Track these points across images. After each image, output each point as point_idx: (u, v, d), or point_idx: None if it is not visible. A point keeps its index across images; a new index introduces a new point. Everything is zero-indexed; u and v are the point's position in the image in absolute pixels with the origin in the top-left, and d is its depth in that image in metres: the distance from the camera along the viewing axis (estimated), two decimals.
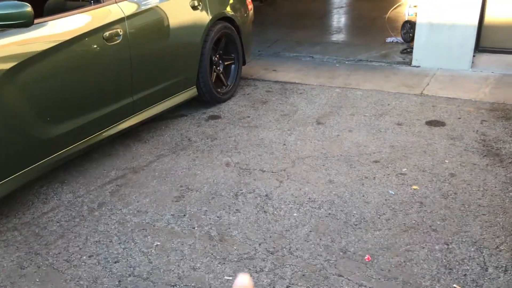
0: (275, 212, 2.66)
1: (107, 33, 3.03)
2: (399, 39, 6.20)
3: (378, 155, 3.25)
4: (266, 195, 2.83)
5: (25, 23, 2.37)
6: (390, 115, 3.91)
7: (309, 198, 2.77)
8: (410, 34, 6.03)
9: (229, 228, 2.54)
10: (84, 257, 2.36)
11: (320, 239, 2.41)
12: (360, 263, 2.24)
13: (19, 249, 2.44)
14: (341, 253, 2.32)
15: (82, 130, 3.00)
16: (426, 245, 2.35)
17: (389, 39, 6.32)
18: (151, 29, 3.47)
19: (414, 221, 2.53)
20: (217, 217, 2.64)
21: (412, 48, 5.61)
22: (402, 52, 5.71)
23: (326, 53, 5.88)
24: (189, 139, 3.66)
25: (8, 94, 2.50)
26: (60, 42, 2.73)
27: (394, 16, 8.05)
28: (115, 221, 2.65)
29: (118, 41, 3.10)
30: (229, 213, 2.68)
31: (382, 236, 2.42)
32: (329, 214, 2.62)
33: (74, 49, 2.84)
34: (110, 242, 2.47)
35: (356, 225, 2.52)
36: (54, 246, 2.45)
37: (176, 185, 2.99)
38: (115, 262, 2.31)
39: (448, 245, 2.34)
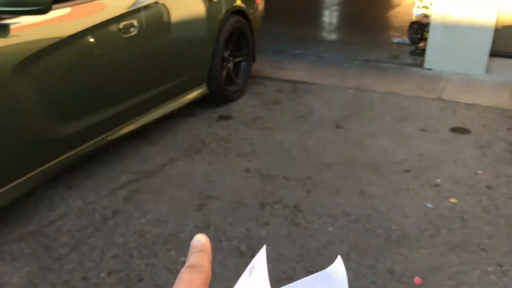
0: (308, 226, 2.45)
1: (122, 24, 2.77)
2: (406, 39, 6.05)
3: (407, 164, 3.07)
4: (295, 206, 2.62)
5: (42, 9, 2.10)
6: (412, 120, 3.74)
7: (343, 211, 2.57)
8: (418, 35, 5.89)
9: (260, 242, 2.32)
10: (103, 274, 2.12)
11: (363, 258, 2.22)
12: (410, 286, 2.05)
13: (29, 263, 2.18)
14: (387, 274, 2.12)
15: (93, 129, 2.74)
16: (477, 266, 2.18)
17: (396, 40, 6.16)
18: (167, 21, 3.21)
19: (459, 239, 2.36)
20: (245, 229, 2.42)
21: (421, 50, 5.48)
22: (411, 53, 5.56)
23: (333, 51, 5.69)
24: (202, 141, 3.42)
25: (16, 90, 2.23)
26: (74, 32, 2.47)
27: (396, 15, 7.94)
28: (133, 232, 2.41)
29: (133, 33, 2.85)
30: (258, 225, 2.46)
31: (428, 255, 2.24)
32: (368, 229, 2.43)
33: (88, 41, 2.58)
34: (130, 256, 2.23)
35: (398, 242, 2.34)
36: (68, 261, 2.20)
37: (195, 192, 2.76)
38: (139, 281, 2.08)
39: (501, 266, 2.17)
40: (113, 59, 2.78)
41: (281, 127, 3.64)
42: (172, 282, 0.36)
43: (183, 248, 2.28)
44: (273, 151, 3.26)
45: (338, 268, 0.42)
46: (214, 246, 2.28)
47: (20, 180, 2.36)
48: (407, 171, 2.99)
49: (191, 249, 0.38)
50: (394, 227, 2.44)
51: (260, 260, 0.43)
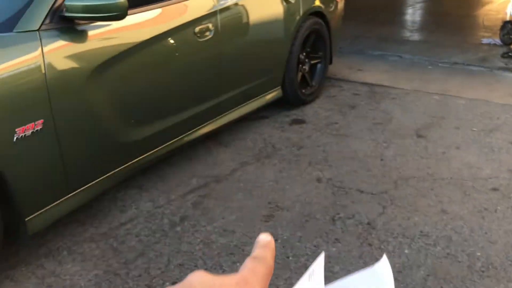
0: (382, 246, 2.29)
1: (198, 28, 2.74)
2: (498, 41, 5.59)
3: (495, 181, 2.80)
4: (369, 223, 2.46)
5: (118, 15, 2.11)
6: (502, 131, 3.43)
7: (421, 232, 2.38)
8: (511, 36, 5.43)
9: (329, 261, 2.20)
10: (167, 283, 2.10)
11: (442, 287, 2.03)
12: None
13: (97, 266, 2.21)
14: None
15: (166, 133, 2.75)
16: None
17: (485, 41, 5.72)
18: (242, 24, 3.15)
19: None
20: (314, 246, 2.31)
21: None
22: (503, 56, 5.12)
23: (416, 52, 5.38)
24: (273, 146, 3.34)
25: (93, 94, 2.27)
26: (150, 37, 2.47)
27: (487, 13, 7.40)
28: (199, 240, 2.38)
29: (209, 37, 2.81)
30: (328, 242, 2.34)
31: None
32: (448, 254, 2.22)
33: (163, 45, 2.58)
34: (195, 266, 2.20)
35: (483, 271, 2.12)
36: (134, 266, 2.21)
37: (264, 201, 2.68)
38: None
39: None
40: (188, 63, 2.76)
41: (356, 134, 3.47)
42: None
43: None
44: (347, 160, 3.11)
45: (384, 266, 0.42)
46: (280, 262, 2.19)
47: (95, 181, 2.40)
48: (495, 189, 2.72)
49: (256, 244, 0.41)
50: (478, 254, 2.22)
51: (319, 266, 0.45)
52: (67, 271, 2.17)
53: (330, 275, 2.10)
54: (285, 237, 2.37)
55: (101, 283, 2.10)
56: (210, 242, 2.35)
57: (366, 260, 2.19)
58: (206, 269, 2.14)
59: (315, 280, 0.44)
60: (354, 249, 2.27)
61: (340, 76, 4.71)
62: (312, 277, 0.44)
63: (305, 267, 2.16)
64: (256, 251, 0.40)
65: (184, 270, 2.16)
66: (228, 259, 2.23)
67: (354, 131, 3.53)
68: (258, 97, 3.48)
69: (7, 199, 1.99)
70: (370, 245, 2.30)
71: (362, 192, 2.74)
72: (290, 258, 2.23)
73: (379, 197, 2.68)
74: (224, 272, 2.14)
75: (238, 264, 2.19)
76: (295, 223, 2.49)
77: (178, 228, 2.47)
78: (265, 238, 0.41)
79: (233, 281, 0.34)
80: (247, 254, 2.18)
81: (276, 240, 2.36)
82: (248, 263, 0.38)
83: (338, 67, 4.87)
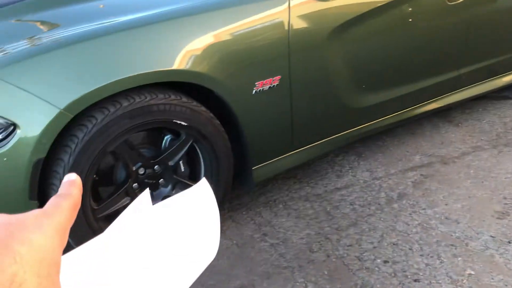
0: None
1: None
2: None
3: None
4: None
5: None
6: None
7: None
8: None
9: None
10: (379, 260, 2.00)
11: None
12: None
13: (310, 225, 2.23)
14: None
15: (393, 103, 2.58)
16: None
17: None
18: None
19: None
20: None
21: None
22: None
23: None
24: None
25: (328, 55, 2.22)
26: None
27: None
28: (417, 222, 2.20)
29: (460, 0, 2.49)
30: None
31: None
32: None
33: (407, 8, 2.37)
34: (410, 249, 2.04)
35: None
36: (346, 235, 2.16)
37: (498, 195, 2.34)
38: (415, 281, 1.88)
39: None
40: (431, 29, 2.51)
41: None
42: None
43: (473, 259, 1.95)
44: None
45: (203, 187, 0.46)
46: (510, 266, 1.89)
47: (318, 143, 2.40)
48: None
49: (61, 185, 0.40)
50: None
51: (145, 199, 0.44)
52: (282, 224, 2.24)
53: None
54: None
55: (312, 244, 2.11)
56: (429, 228, 2.15)
57: None
58: (421, 255, 1.98)
59: (143, 207, 0.43)
60: None
61: None
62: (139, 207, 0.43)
63: None
64: (60, 190, 0.39)
65: (397, 251, 2.03)
66: (447, 250, 2.01)
67: None
68: (505, 73, 3.02)
69: (240, 147, 2.12)
70: None
71: None
72: None
73: None
74: (442, 263, 1.94)
75: (459, 259, 1.96)
76: None
77: (395, 205, 2.32)
78: (70, 177, 0.41)
79: (32, 215, 0.34)
80: (471, 249, 1.93)
81: (509, 242, 2.04)
82: (50, 200, 0.37)
83: None
